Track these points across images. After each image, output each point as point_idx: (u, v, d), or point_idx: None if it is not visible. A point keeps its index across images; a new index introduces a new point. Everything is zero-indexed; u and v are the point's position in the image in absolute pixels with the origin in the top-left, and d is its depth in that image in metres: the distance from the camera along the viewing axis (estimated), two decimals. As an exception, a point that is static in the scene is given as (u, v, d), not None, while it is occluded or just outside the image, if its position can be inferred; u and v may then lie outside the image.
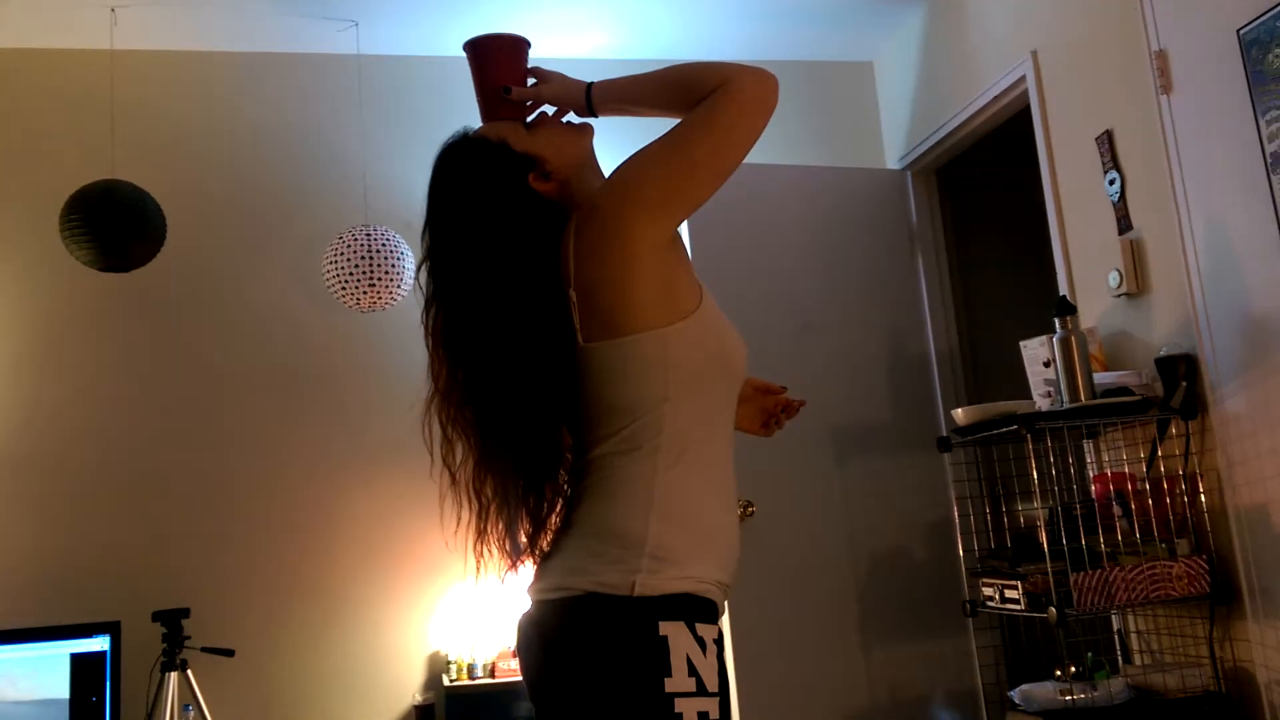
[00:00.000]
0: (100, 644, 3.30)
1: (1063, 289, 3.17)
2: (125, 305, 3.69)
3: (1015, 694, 2.71)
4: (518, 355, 1.50)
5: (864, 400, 3.77)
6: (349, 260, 3.61)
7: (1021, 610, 2.65)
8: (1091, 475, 2.95)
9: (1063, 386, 2.68)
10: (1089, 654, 2.71)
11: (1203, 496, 2.64)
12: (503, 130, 1.61)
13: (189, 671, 3.27)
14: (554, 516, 1.54)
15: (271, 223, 3.84)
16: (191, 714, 3.19)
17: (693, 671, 1.38)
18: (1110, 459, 2.95)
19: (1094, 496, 2.81)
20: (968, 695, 3.41)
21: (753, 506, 3.52)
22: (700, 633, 1.40)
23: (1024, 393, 2.95)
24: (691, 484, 1.48)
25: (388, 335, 3.84)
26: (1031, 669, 2.90)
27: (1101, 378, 2.74)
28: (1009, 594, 2.71)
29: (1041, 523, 2.64)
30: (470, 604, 3.63)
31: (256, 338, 3.77)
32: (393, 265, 3.66)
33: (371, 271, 3.63)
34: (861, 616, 3.59)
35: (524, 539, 1.54)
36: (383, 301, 3.69)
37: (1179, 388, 2.65)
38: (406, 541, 3.73)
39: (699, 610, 1.42)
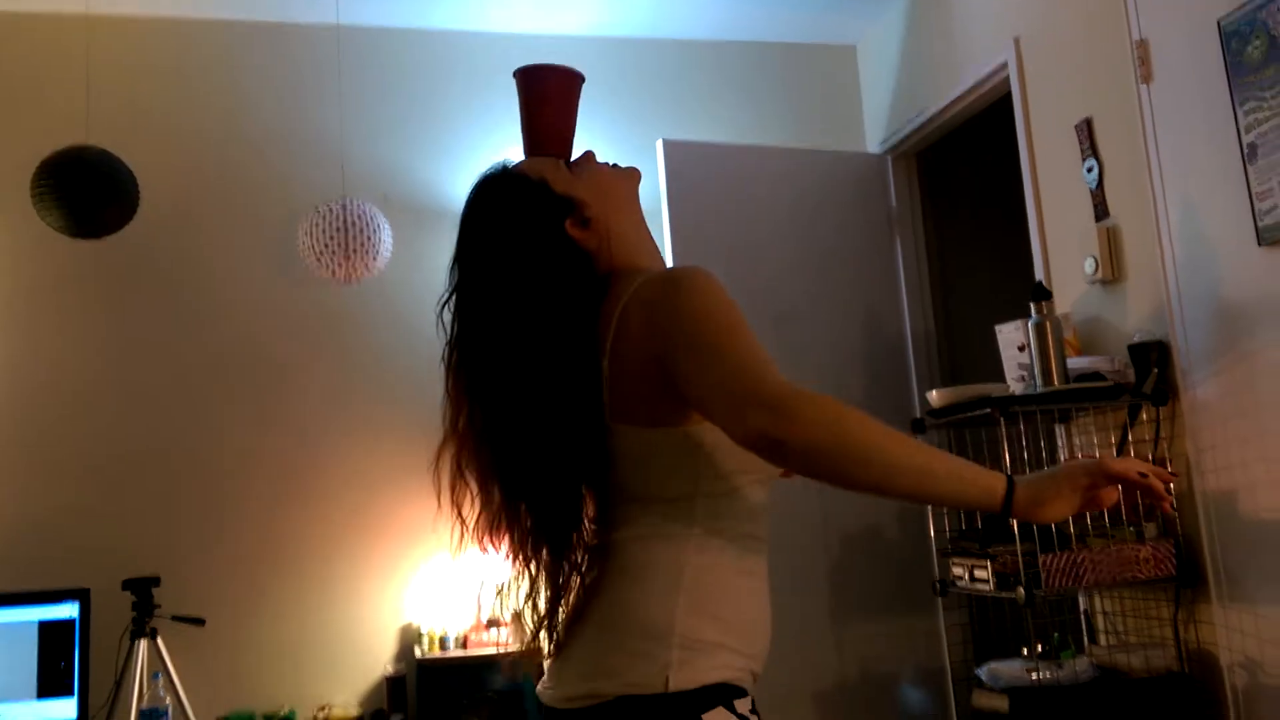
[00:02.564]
0: (69, 611, 3.28)
1: (1039, 275, 3.20)
2: (98, 273, 3.65)
3: (982, 671, 2.75)
4: (542, 417, 1.39)
5: (840, 382, 3.79)
6: (325, 232, 3.59)
7: (990, 590, 2.69)
8: (1063, 459, 2.99)
9: (1037, 371, 2.71)
10: (1055, 634, 2.75)
11: (1172, 481, 2.68)
12: (544, 168, 1.51)
13: (159, 640, 3.26)
14: (570, 594, 1.42)
15: (248, 193, 3.81)
16: (161, 682, 3.17)
17: None
18: (1081, 443, 2.99)
19: (1064, 480, 2.84)
20: (936, 673, 3.46)
21: (727, 485, 3.54)
22: (740, 709, 1.34)
23: (999, 376, 2.98)
24: (723, 570, 1.39)
25: (364, 308, 3.82)
26: (999, 648, 2.94)
27: (1075, 363, 2.78)
28: (978, 574, 2.75)
29: (1012, 505, 2.67)
30: (444, 577, 3.64)
31: (231, 308, 3.74)
32: (369, 238, 3.64)
33: (347, 244, 3.60)
34: (832, 596, 3.62)
35: (543, 607, 1.42)
36: (359, 273, 3.67)
37: (1151, 374, 2.69)
38: (379, 514, 3.72)
39: (734, 691, 1.35)
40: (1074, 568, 2.58)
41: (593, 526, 1.45)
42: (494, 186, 1.51)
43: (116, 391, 3.62)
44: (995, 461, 2.75)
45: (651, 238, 1.57)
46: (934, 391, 3.02)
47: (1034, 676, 2.59)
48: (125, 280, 3.67)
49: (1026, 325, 2.75)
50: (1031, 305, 2.74)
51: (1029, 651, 2.64)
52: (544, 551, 1.42)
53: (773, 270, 3.79)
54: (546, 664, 1.45)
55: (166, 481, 3.61)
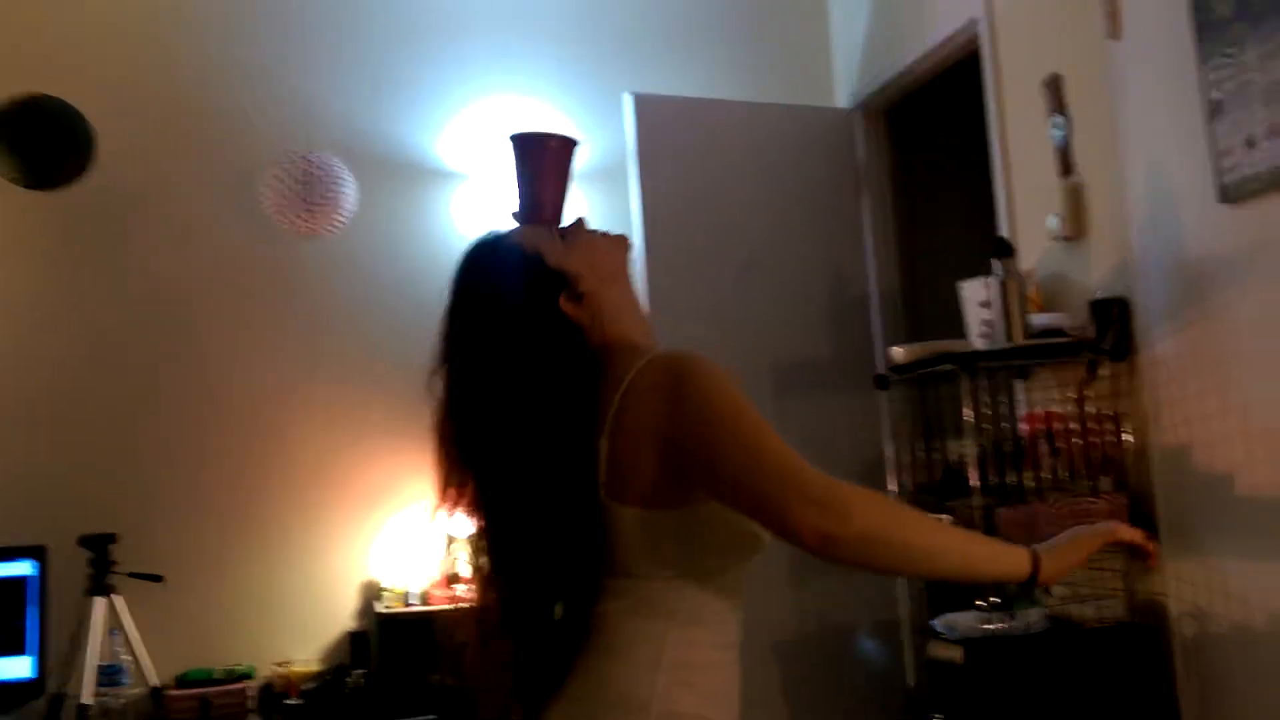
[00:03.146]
0: (25, 568, 3.23)
1: (1003, 231, 3.21)
2: (52, 225, 3.57)
3: (937, 623, 2.79)
4: (536, 493, 1.40)
5: (804, 338, 3.80)
6: (286, 185, 3.53)
7: (949, 544, 2.71)
8: (1022, 414, 3.02)
9: (999, 327, 2.72)
10: (1010, 585, 2.79)
11: (1128, 436, 2.71)
12: (538, 241, 1.51)
13: (117, 597, 3.22)
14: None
15: (208, 142, 3.72)
16: (119, 639, 3.15)
17: None
18: (1041, 398, 3.01)
19: (1023, 435, 2.88)
20: (892, 625, 3.51)
21: (690, 440, 3.54)
22: None
23: (962, 333, 2.99)
24: (704, 646, 1.43)
25: (328, 264, 3.77)
26: (954, 601, 2.98)
27: (1037, 319, 2.79)
28: (938, 528, 2.77)
29: (971, 459, 2.70)
30: (406, 534, 3.63)
31: (191, 261, 3.67)
32: (331, 191, 3.59)
33: (309, 197, 3.55)
34: (793, 549, 3.64)
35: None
36: (321, 227, 3.62)
37: (1111, 330, 2.71)
38: (341, 471, 3.70)
39: None
40: (1031, 521, 2.61)
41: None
42: (488, 258, 1.51)
43: (72, 346, 3.55)
44: (956, 415, 2.78)
45: (640, 308, 1.58)
46: (897, 348, 3.03)
47: (988, 627, 2.63)
48: (81, 233, 3.59)
49: (989, 282, 2.76)
50: (994, 261, 2.74)
51: (983, 603, 2.68)
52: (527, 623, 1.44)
53: (739, 224, 3.77)
54: None
55: (124, 437, 3.55)
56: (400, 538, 3.64)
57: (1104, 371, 2.76)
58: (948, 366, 2.76)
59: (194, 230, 3.69)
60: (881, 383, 3.18)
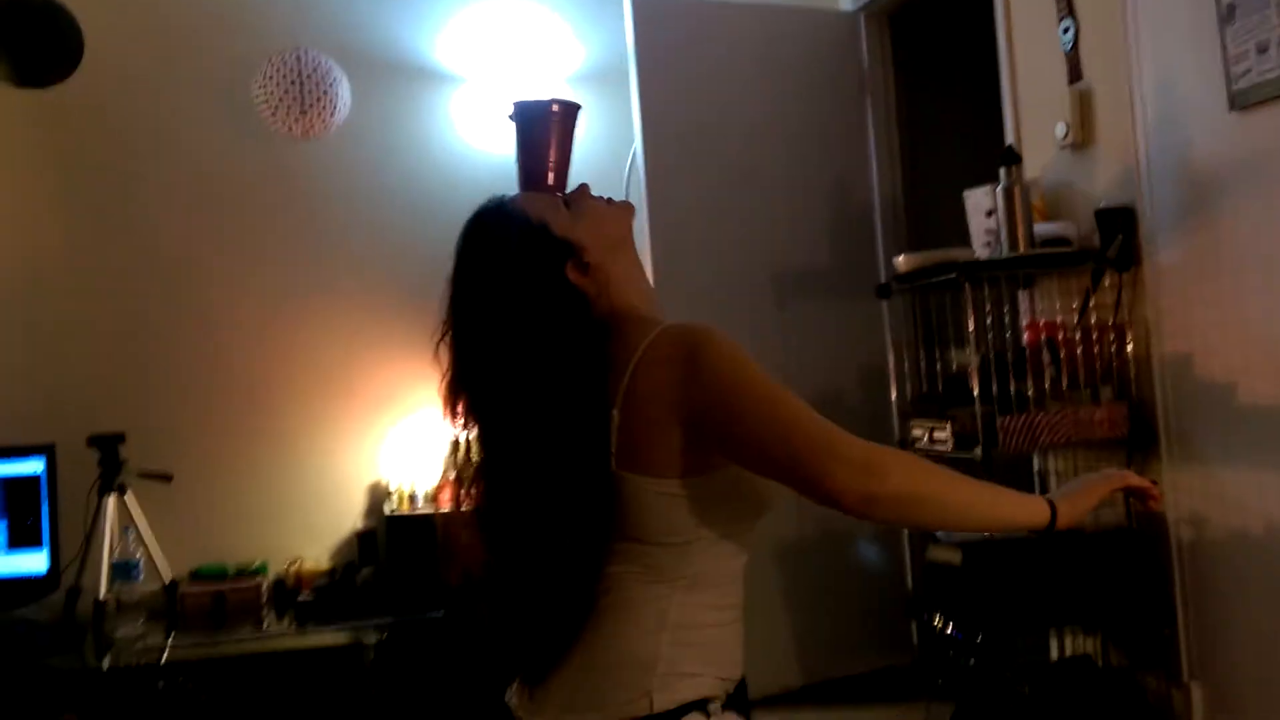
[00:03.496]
0: (34, 466, 3.28)
1: (1010, 139, 3.18)
2: (43, 125, 3.52)
3: (938, 528, 2.85)
4: (548, 463, 1.41)
5: (806, 246, 3.79)
6: (279, 86, 3.48)
7: (949, 450, 2.76)
8: (1024, 323, 3.04)
9: (1003, 235, 2.72)
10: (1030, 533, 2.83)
11: (1130, 345, 2.73)
12: (544, 209, 1.49)
13: (127, 495, 3.28)
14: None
15: (200, 39, 3.65)
16: (131, 536, 3.21)
17: None
18: (1044, 308, 3.03)
19: (1025, 344, 2.90)
20: (892, 530, 3.57)
21: (693, 347, 3.56)
22: (711, 711, 1.43)
23: (966, 243, 3.00)
24: (708, 608, 1.46)
25: (325, 165, 3.73)
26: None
27: (1041, 228, 2.79)
28: (938, 435, 2.81)
29: (973, 368, 2.72)
30: (414, 436, 3.67)
31: (189, 162, 3.63)
32: (325, 92, 3.53)
33: (303, 98, 3.50)
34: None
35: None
36: (316, 130, 3.58)
37: (1116, 239, 2.71)
38: (349, 373, 3.72)
39: (708, 700, 1.44)
40: (1031, 429, 2.65)
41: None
42: (494, 227, 1.49)
43: (77, 247, 3.54)
44: (959, 325, 2.79)
45: (645, 278, 1.58)
46: (900, 256, 3.03)
47: (986, 531, 2.68)
48: (74, 133, 3.54)
49: (995, 190, 2.75)
50: (1000, 170, 2.73)
51: (983, 508, 2.72)
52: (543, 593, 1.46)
53: (741, 130, 3.73)
54: (515, 687, 1.51)
55: (131, 337, 3.56)
56: (407, 440, 3.68)
57: (1108, 281, 2.77)
58: (951, 275, 2.76)
59: (189, 130, 3.64)
60: (883, 292, 3.19)
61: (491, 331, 1.46)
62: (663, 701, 1.41)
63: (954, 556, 2.70)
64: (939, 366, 3.12)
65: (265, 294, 3.68)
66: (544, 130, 1.56)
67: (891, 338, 3.22)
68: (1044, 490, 3.06)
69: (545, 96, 1.58)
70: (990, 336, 2.77)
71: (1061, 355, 2.76)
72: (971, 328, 2.72)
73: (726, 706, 1.47)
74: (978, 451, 2.61)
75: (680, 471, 1.37)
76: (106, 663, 2.96)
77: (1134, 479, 1.50)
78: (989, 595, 2.59)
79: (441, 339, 1.50)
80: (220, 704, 2.89)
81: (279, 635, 3.10)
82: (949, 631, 2.73)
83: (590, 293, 1.47)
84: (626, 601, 1.43)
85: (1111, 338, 2.76)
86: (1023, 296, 3.13)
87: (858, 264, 3.79)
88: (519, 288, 1.45)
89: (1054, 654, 3.00)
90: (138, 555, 3.19)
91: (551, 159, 1.56)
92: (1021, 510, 1.40)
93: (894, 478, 1.29)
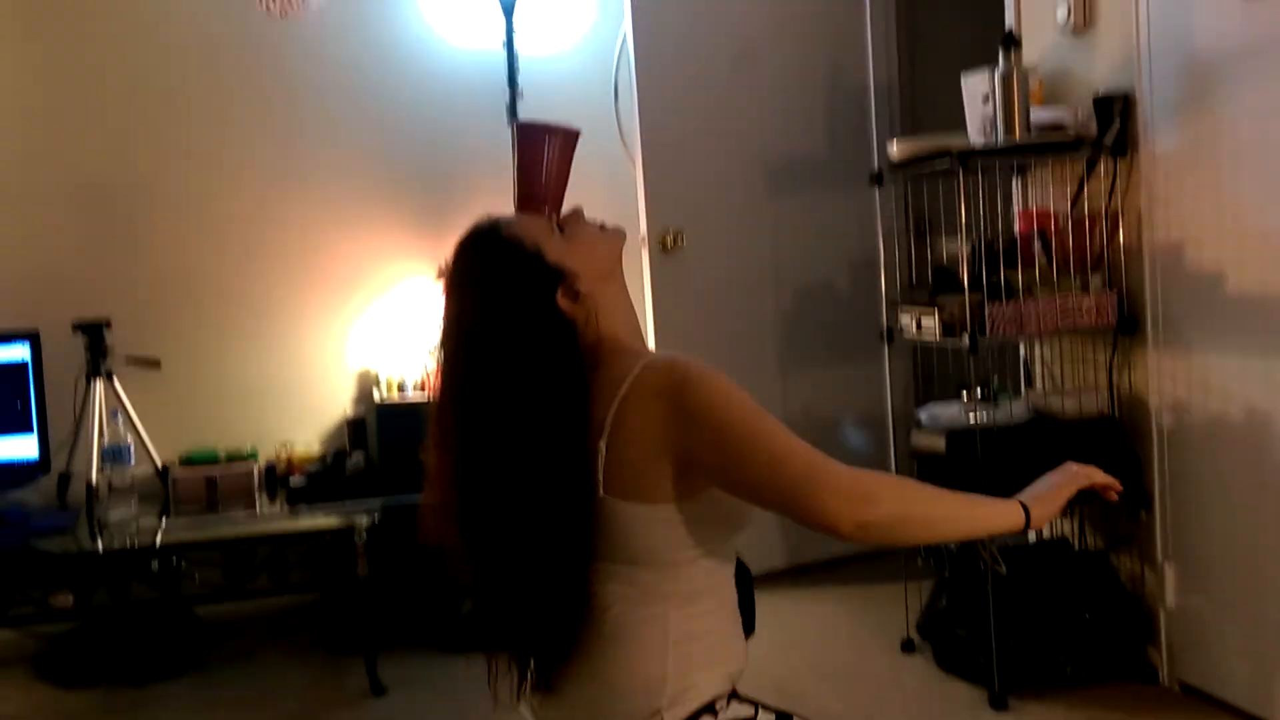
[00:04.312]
0: (20, 353, 3.26)
1: (1010, 23, 3.12)
2: (30, 6, 3.41)
3: (922, 414, 2.88)
4: (530, 491, 1.44)
5: (799, 132, 3.74)
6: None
7: (936, 338, 2.77)
8: (1017, 212, 3.03)
9: (999, 121, 2.69)
10: (995, 378, 2.86)
11: (1121, 234, 2.73)
12: (538, 234, 1.49)
13: (115, 381, 3.27)
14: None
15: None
16: (121, 421, 3.22)
17: None
18: (1037, 196, 3.01)
19: (1017, 233, 2.89)
20: (877, 417, 3.60)
21: (683, 236, 3.54)
22: (719, 709, 1.49)
23: (961, 130, 2.95)
24: (704, 613, 1.50)
25: (305, 47, 3.64)
26: (940, 394, 3.07)
27: (1037, 114, 2.75)
28: (926, 322, 2.82)
29: (963, 257, 2.72)
30: (403, 325, 3.66)
31: (173, 43, 3.56)
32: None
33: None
34: (782, 343, 3.72)
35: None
36: (295, 7, 3.48)
37: (1112, 126, 2.68)
38: (337, 259, 3.69)
39: (715, 700, 1.49)
40: (1019, 317, 2.66)
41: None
42: (487, 250, 1.49)
43: (61, 131, 3.49)
44: (950, 213, 2.78)
45: (631, 305, 1.59)
46: (895, 142, 3.00)
47: (971, 419, 2.71)
48: (55, 17, 3.45)
49: (992, 75, 2.70)
50: (1000, 54, 2.68)
51: (968, 395, 2.76)
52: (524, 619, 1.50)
53: (732, 13, 3.64)
54: (527, 695, 1.56)
55: (115, 222, 3.53)
56: (396, 330, 3.68)
57: (1102, 169, 2.75)
58: (945, 163, 2.73)
59: (169, 10, 3.54)
60: (877, 179, 3.16)
61: (480, 355, 1.47)
62: (673, 717, 1.46)
63: (938, 444, 2.74)
64: (929, 256, 3.11)
65: (250, 177, 3.63)
66: (543, 152, 1.57)
67: (883, 227, 3.20)
68: (1029, 383, 3.10)
69: (547, 120, 1.59)
70: (983, 225, 2.75)
71: (1053, 244, 2.76)
72: (964, 216, 2.71)
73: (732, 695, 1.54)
74: (965, 339, 2.63)
75: (674, 497, 1.41)
76: (100, 545, 3.00)
77: (1099, 476, 1.55)
78: (970, 480, 2.63)
79: (435, 355, 1.53)
80: (214, 585, 2.94)
81: (271, 519, 3.13)
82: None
83: (579, 320, 1.49)
84: (628, 625, 1.47)
85: (1103, 226, 2.75)
86: (1016, 184, 3.11)
87: (851, 152, 3.74)
88: (509, 314, 1.47)
89: (1032, 537, 3.08)
90: (128, 440, 3.20)
91: (549, 181, 1.57)
92: (999, 517, 1.45)
93: (885, 503, 1.34)
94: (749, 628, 1.94)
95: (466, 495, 1.51)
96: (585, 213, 1.58)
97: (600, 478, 1.44)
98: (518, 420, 1.46)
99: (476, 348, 1.49)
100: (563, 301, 1.49)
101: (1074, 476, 1.54)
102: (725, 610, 1.57)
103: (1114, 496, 1.57)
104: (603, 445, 1.44)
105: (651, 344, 3.53)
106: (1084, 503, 2.73)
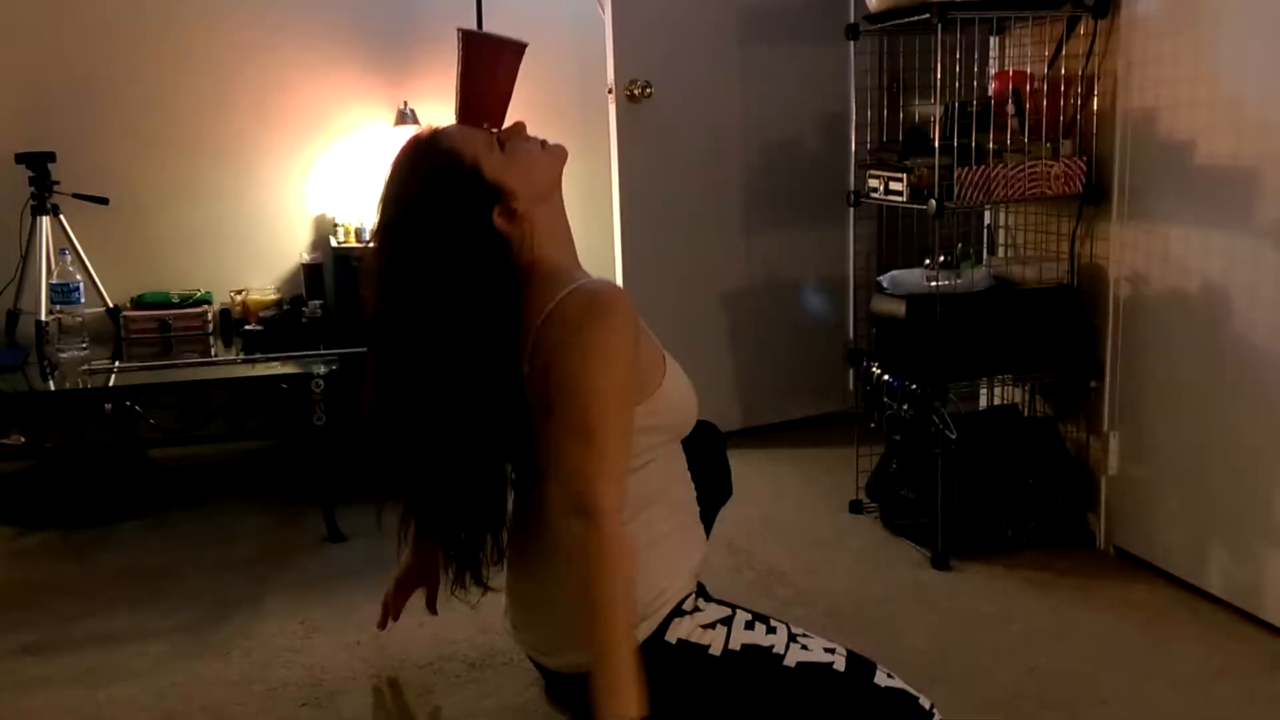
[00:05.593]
0: (-39, 184, 3.15)
1: None
2: None
3: (884, 279, 2.86)
4: (458, 410, 1.48)
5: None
6: None
7: (903, 202, 2.73)
8: (992, 73, 2.95)
9: (982, -26, 2.59)
10: (959, 244, 2.84)
11: (1096, 99, 2.67)
12: (478, 149, 1.47)
13: (62, 217, 3.18)
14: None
15: None
16: (68, 258, 3.14)
17: (710, 625, 1.54)
18: (1014, 56, 2.93)
19: (991, 94, 2.82)
20: (839, 280, 3.59)
21: (651, 87, 3.44)
22: (686, 608, 1.54)
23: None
24: (660, 518, 1.53)
25: None
26: (904, 261, 3.05)
27: (1021, -31, 2.65)
28: (893, 186, 2.77)
29: (935, 119, 2.65)
30: (359, 169, 3.56)
31: None
32: None
33: None
34: (747, 202, 3.66)
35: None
36: None
37: (1096, -15, 2.59)
38: (295, 98, 3.56)
39: (683, 601, 1.56)
40: (986, 182, 2.62)
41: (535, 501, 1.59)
42: (425, 163, 1.48)
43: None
44: (926, 71, 2.70)
45: (568, 227, 1.58)
46: (872, -6, 2.88)
47: (932, 284, 2.70)
48: None
49: (977, -74, 2.59)
50: (987, -99, 2.56)
51: (930, 261, 2.73)
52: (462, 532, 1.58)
53: None
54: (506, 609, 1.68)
55: (60, 52, 3.35)
56: (355, 175, 3.58)
57: (1082, 30, 2.67)
58: (923, 16, 2.64)
59: None
60: (852, 33, 3.05)
61: (413, 268, 1.47)
62: (644, 630, 1.51)
63: (898, 308, 2.73)
64: (901, 117, 3.04)
65: (209, 14, 3.46)
66: (488, 63, 1.54)
67: (855, 85, 3.11)
68: (991, 251, 3.08)
69: (494, 32, 1.57)
70: (958, 86, 2.68)
71: (1026, 106, 2.70)
72: (939, 75, 2.63)
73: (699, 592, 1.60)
74: (931, 203, 2.59)
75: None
76: (52, 385, 2.97)
77: None
78: (929, 345, 2.64)
79: (369, 264, 1.53)
80: (168, 430, 2.93)
81: (227, 364, 3.10)
82: (886, 379, 2.81)
83: (514, 239, 1.49)
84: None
85: (1078, 89, 2.69)
86: (994, 44, 3.02)
87: (826, 3, 3.61)
88: (444, 228, 1.46)
89: (983, 403, 3.11)
90: (77, 279, 3.13)
91: (493, 93, 1.54)
92: (611, 680, 1.37)
93: (594, 544, 1.37)
94: (726, 492, 2.00)
95: (396, 404, 1.53)
96: (527, 129, 1.56)
97: (531, 400, 1.48)
98: (447, 335, 1.47)
99: (410, 261, 1.48)
100: (499, 220, 1.48)
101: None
102: (679, 510, 1.61)
103: None
104: (526, 367, 1.47)
105: (616, 201, 3.46)
106: (1035, 375, 2.77)
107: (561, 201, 1.59)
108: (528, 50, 1.58)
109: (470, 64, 1.54)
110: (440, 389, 1.48)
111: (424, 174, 1.48)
